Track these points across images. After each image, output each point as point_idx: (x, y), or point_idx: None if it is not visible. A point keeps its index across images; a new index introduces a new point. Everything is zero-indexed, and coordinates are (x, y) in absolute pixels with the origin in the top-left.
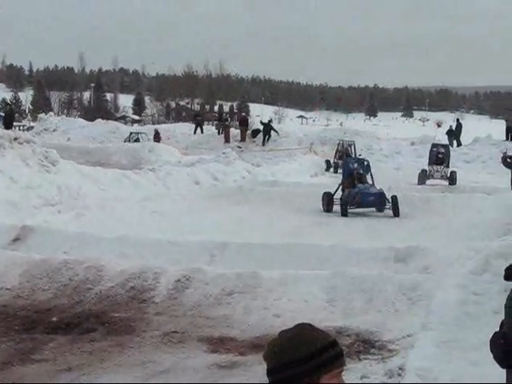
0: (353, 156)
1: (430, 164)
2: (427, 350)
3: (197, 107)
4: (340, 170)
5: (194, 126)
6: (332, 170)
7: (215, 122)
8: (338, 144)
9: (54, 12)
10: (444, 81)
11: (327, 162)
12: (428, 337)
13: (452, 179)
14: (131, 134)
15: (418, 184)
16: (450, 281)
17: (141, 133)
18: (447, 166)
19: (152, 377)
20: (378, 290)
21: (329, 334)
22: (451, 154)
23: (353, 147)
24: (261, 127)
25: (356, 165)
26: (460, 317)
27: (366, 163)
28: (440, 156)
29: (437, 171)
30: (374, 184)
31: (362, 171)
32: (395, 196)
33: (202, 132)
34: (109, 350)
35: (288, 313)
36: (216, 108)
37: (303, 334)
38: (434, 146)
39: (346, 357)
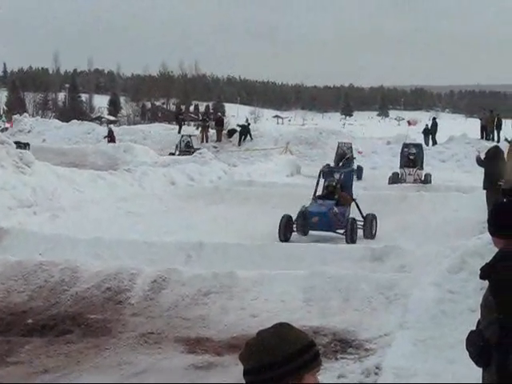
0: (352, 159)
1: (401, 166)
2: (404, 348)
3: (172, 107)
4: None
5: (177, 125)
6: None
7: (197, 123)
8: (338, 147)
9: (29, 12)
10: (419, 80)
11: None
12: (405, 335)
13: (426, 182)
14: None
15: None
16: (427, 279)
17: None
18: (421, 168)
19: (128, 378)
20: (355, 290)
21: (306, 333)
22: (426, 152)
23: (351, 150)
24: (238, 128)
25: (336, 175)
26: (436, 315)
27: (350, 170)
28: (411, 157)
29: (409, 174)
30: (350, 196)
31: (335, 183)
32: (369, 215)
33: (179, 132)
34: (85, 351)
35: (265, 313)
36: (192, 108)
37: (282, 334)
38: (405, 146)
39: (322, 356)
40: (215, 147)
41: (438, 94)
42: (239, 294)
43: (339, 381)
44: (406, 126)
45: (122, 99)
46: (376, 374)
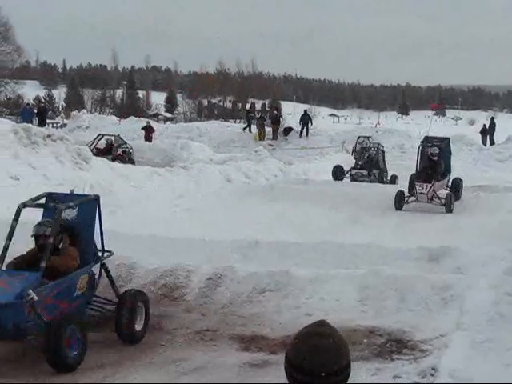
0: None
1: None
2: (461, 350)
3: (229, 105)
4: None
5: (244, 123)
6: None
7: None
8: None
9: (88, 10)
10: (477, 79)
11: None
12: (461, 337)
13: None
14: None
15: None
16: (483, 281)
17: None
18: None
19: (183, 375)
20: (411, 290)
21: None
22: (484, 153)
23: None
24: (297, 121)
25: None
26: (493, 317)
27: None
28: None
29: (421, 193)
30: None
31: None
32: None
33: (250, 131)
34: (140, 347)
35: (320, 312)
36: (248, 106)
37: (341, 337)
38: (425, 140)
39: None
40: (271, 145)
41: (496, 94)
42: (294, 292)
43: (394, 381)
44: (430, 114)
45: (178, 96)
46: (432, 375)
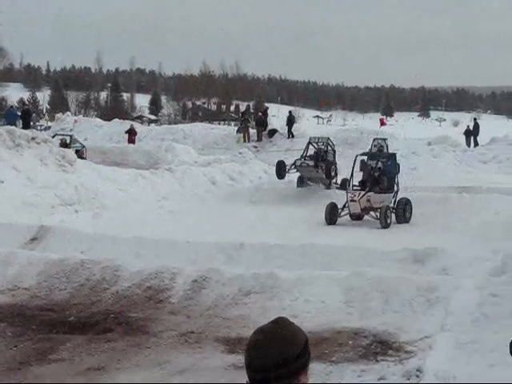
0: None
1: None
2: (445, 351)
3: (213, 107)
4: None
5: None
6: None
7: (237, 122)
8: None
9: (71, 12)
10: (461, 81)
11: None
12: (446, 338)
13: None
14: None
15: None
16: (468, 282)
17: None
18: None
19: (169, 377)
20: (396, 291)
21: (302, 330)
22: (467, 154)
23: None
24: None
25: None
26: (478, 318)
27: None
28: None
29: (352, 200)
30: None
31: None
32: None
33: (249, 140)
34: (126, 350)
35: (305, 313)
36: (232, 108)
37: (290, 329)
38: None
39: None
40: (255, 147)
41: (480, 95)
42: (279, 294)
43: (379, 382)
44: (378, 126)
45: (163, 98)
46: (417, 376)
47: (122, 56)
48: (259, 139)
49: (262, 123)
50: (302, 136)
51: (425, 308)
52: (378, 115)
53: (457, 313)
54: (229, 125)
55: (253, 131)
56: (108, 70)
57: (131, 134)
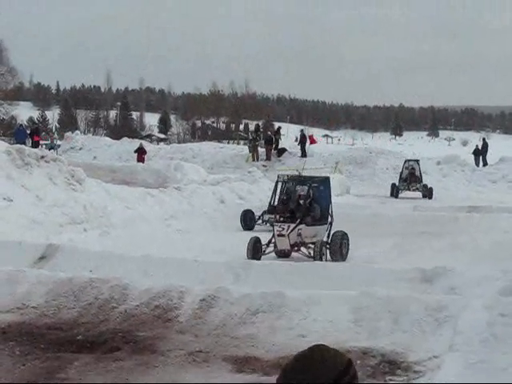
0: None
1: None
2: (454, 371)
3: (222, 126)
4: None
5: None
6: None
7: (246, 141)
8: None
9: (81, 31)
10: (470, 100)
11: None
12: (455, 358)
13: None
14: None
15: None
16: (477, 302)
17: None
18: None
19: None
20: (405, 311)
21: (344, 354)
22: (476, 173)
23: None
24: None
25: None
26: (487, 338)
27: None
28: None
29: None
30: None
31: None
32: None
33: (258, 159)
34: (134, 369)
35: (313, 333)
36: (241, 127)
37: (322, 356)
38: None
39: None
40: (265, 166)
41: (489, 115)
42: (288, 313)
43: None
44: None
45: (172, 117)
46: None
47: (132, 75)
48: (268, 158)
49: (271, 142)
50: (311, 155)
51: (433, 328)
52: (387, 134)
53: (465, 332)
54: (238, 144)
55: (262, 150)
56: (117, 89)
57: (140, 153)
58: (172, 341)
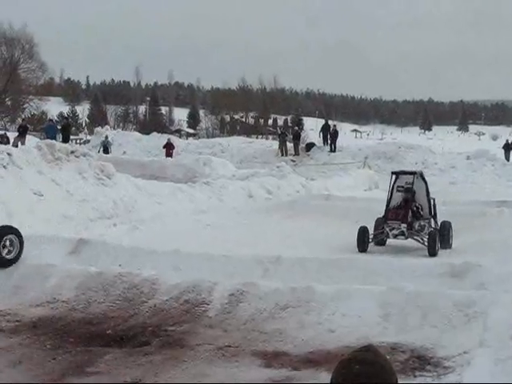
0: None
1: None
2: (484, 367)
3: (251, 121)
4: None
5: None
6: None
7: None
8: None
9: (111, 27)
10: (500, 95)
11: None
12: (484, 354)
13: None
14: None
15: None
16: (507, 297)
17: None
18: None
19: None
20: (434, 306)
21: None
22: (506, 168)
23: None
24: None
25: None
26: None
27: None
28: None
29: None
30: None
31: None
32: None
33: (286, 154)
34: (163, 363)
35: (342, 328)
36: (270, 122)
37: (387, 362)
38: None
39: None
40: (293, 161)
41: None
42: (316, 308)
43: None
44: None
45: (201, 112)
46: None
47: (161, 70)
48: (297, 153)
49: (298, 137)
50: (340, 150)
51: (463, 323)
52: (417, 129)
53: (495, 328)
54: (267, 139)
55: (290, 145)
56: (147, 84)
57: (168, 148)
58: (201, 335)
